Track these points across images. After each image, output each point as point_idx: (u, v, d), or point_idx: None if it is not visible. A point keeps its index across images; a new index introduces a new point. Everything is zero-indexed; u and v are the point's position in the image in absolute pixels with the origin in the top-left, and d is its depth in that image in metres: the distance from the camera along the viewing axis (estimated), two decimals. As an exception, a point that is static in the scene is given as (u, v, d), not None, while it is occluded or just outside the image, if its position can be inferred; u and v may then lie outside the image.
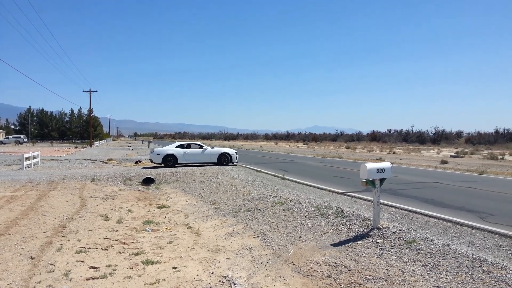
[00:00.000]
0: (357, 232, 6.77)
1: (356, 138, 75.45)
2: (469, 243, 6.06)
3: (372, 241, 6.28)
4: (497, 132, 56.37)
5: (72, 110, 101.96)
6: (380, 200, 6.99)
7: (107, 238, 7.49)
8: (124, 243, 7.23)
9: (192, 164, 20.42)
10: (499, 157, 29.38)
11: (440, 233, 6.65)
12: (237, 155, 21.36)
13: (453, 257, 5.37)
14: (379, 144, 58.29)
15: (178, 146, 20.98)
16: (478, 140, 54.58)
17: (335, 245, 6.29)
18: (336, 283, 4.87)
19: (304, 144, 69.90)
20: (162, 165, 20.00)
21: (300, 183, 13.52)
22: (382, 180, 6.85)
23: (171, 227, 8.59)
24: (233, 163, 20.96)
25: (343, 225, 7.27)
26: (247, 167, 19.52)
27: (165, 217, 9.65)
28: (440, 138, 60.71)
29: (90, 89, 62.84)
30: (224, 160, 20.62)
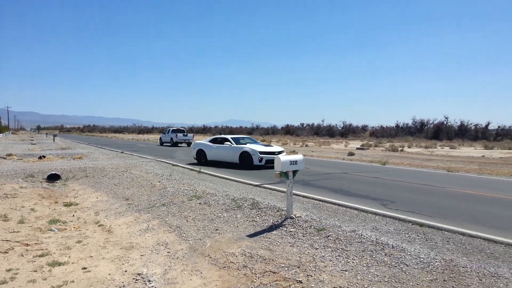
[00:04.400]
0: (272, 223, 6.98)
1: (271, 131, 77.50)
2: (373, 228, 6.54)
3: (286, 230, 6.51)
4: (397, 126, 61.69)
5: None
6: (293, 191, 7.25)
7: (7, 240, 6.85)
8: (27, 245, 6.67)
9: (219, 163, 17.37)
10: (399, 149, 32.08)
11: (347, 220, 7.09)
12: (263, 156, 15.64)
13: (359, 242, 5.77)
14: (293, 137, 60.45)
15: (211, 140, 18.02)
16: (381, 134, 59.12)
17: (251, 236, 6.42)
18: (252, 272, 4.97)
19: (220, 137, 70.07)
20: (196, 161, 18.07)
21: (217, 176, 13.54)
22: (295, 172, 7.13)
23: (80, 226, 8.11)
24: (259, 165, 15.66)
25: (258, 216, 7.44)
26: (163, 161, 19.07)
27: (73, 215, 9.09)
28: (347, 132, 64.71)
29: (-16, 77, 56.77)
30: (245, 160, 15.97)
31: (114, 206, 9.69)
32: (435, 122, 55.47)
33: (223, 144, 17.02)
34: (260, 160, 15.56)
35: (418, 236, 6.14)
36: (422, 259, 5.03)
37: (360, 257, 5.26)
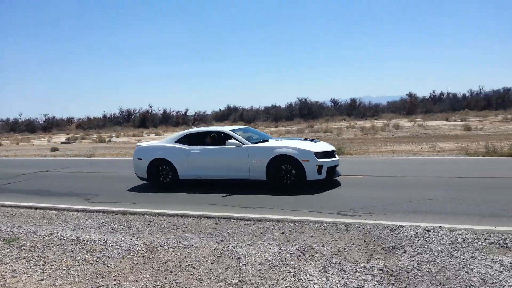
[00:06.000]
0: None
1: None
2: (75, 226, 6.21)
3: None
4: (105, 116, 61.43)
5: None
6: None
7: None
8: None
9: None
10: (107, 139, 31.91)
11: (45, 223, 6.48)
12: (323, 161, 7.87)
13: (58, 244, 5.35)
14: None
15: (184, 140, 9.05)
16: (88, 125, 57.45)
17: None
18: None
19: None
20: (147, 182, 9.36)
21: None
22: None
23: None
24: (318, 179, 7.88)
25: None
26: None
27: None
28: (51, 126, 59.84)
29: None
30: (285, 174, 8.01)
31: None
32: (141, 111, 58.18)
33: (219, 145, 8.67)
34: (319, 170, 7.88)
35: (121, 225, 6.21)
36: (123, 248, 5.10)
37: (59, 260, 4.88)
